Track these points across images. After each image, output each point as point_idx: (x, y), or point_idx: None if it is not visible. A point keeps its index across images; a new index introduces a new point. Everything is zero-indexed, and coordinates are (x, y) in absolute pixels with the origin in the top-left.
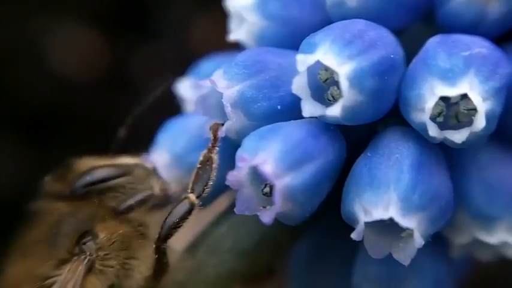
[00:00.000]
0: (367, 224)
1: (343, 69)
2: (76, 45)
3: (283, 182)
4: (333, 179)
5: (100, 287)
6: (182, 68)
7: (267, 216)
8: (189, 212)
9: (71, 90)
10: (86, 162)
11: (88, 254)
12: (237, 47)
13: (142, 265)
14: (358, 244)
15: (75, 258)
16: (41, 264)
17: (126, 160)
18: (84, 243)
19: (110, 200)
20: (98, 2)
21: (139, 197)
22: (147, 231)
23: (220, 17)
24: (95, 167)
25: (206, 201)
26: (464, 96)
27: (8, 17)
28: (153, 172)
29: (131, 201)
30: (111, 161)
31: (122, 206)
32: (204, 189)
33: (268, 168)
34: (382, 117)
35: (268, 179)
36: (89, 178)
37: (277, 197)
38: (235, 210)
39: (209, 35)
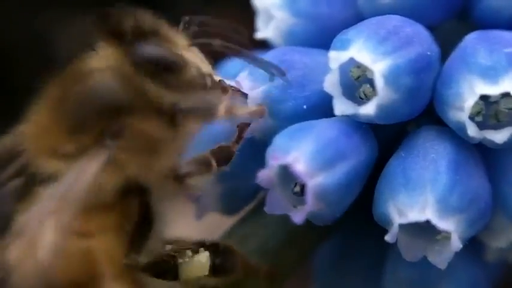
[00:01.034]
0: (401, 226)
1: (378, 66)
2: (85, 42)
3: (315, 181)
4: (364, 179)
5: (114, 178)
6: None
7: (298, 216)
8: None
9: None
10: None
11: (111, 146)
12: (243, 46)
13: (165, 159)
14: (386, 246)
15: (98, 146)
16: (61, 133)
17: (201, 64)
18: (111, 134)
19: (157, 89)
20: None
21: (199, 110)
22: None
23: (228, 15)
24: (166, 45)
25: (236, 207)
26: (506, 95)
27: (16, 13)
28: (224, 91)
29: (189, 108)
30: (183, 49)
31: (177, 108)
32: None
33: (300, 167)
34: (415, 116)
35: (300, 178)
36: (154, 51)
37: (309, 196)
38: (265, 209)
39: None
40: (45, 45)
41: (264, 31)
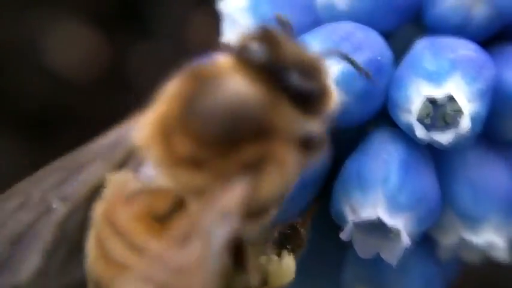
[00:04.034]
0: (355, 224)
1: (331, 71)
2: (74, 44)
3: None
4: (320, 179)
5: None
6: (181, 67)
7: None
8: None
9: (68, 89)
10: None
11: (252, 181)
12: None
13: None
14: (348, 245)
15: (239, 177)
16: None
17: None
18: (252, 165)
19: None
20: (96, 0)
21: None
22: None
23: (219, 16)
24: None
25: None
26: (451, 98)
27: (5, 15)
28: None
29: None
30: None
31: (312, 136)
32: None
33: None
34: (372, 118)
35: None
36: (302, 81)
37: None
38: None
39: (207, 34)
40: (32, 48)
41: (229, 35)
